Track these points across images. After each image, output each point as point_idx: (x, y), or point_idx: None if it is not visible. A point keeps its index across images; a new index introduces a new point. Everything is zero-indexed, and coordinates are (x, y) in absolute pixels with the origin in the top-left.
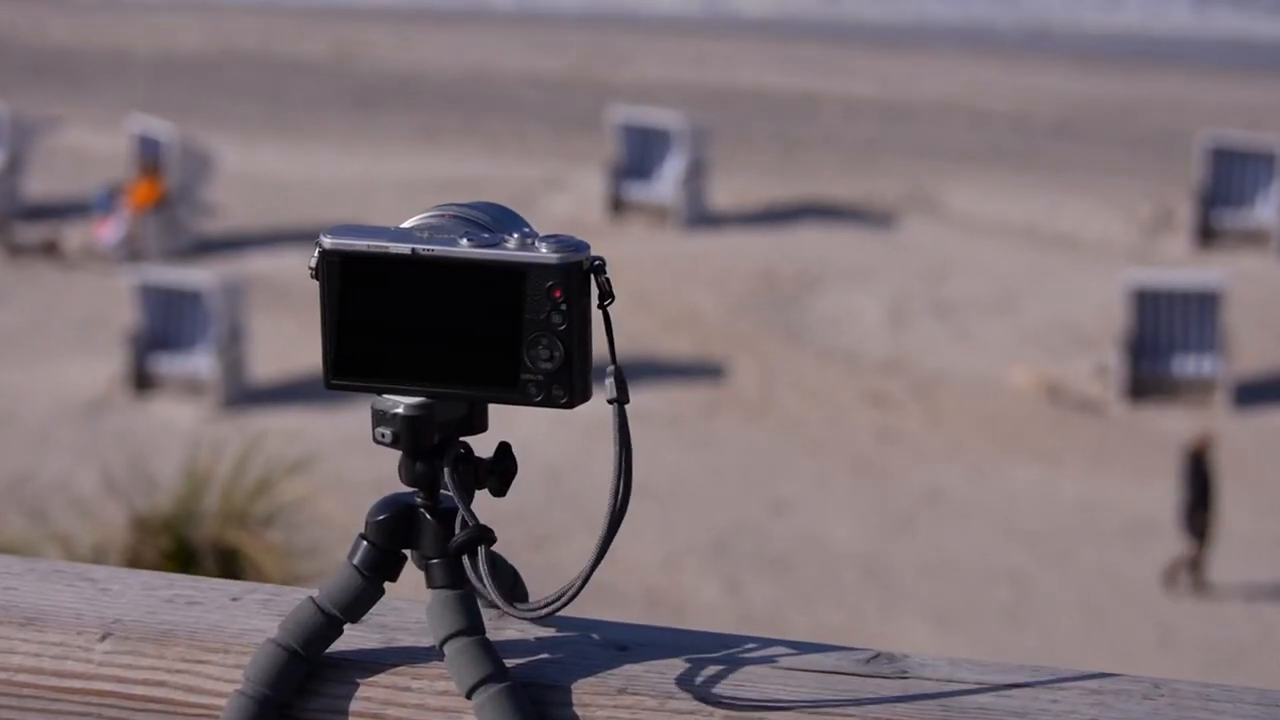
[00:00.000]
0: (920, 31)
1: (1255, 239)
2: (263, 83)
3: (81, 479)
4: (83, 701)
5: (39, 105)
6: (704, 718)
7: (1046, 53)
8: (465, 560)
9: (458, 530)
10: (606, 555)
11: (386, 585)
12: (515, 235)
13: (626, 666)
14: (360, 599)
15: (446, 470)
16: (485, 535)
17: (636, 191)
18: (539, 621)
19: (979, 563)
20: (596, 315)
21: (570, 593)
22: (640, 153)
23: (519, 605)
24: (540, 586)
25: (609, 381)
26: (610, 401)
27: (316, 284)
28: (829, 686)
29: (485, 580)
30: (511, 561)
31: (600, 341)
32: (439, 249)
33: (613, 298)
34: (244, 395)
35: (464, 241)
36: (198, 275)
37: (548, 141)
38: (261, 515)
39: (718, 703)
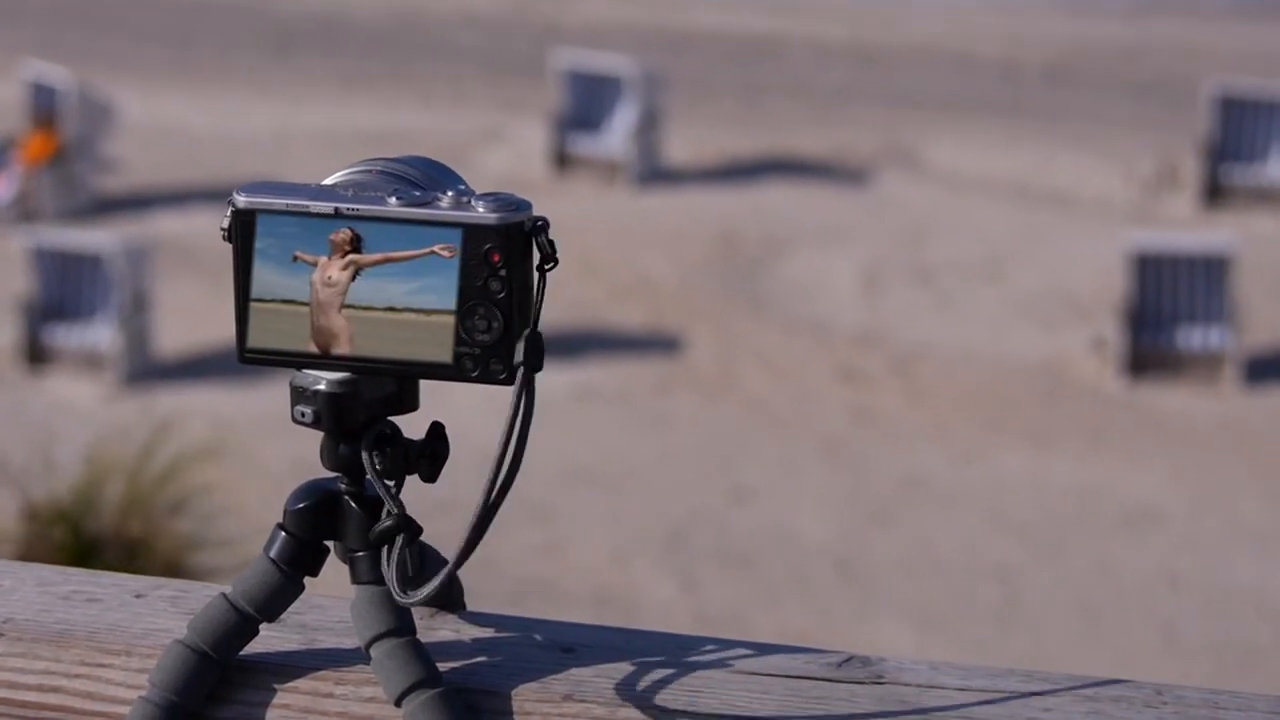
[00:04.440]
0: None
1: (1268, 197)
2: (169, 24)
3: None
4: None
5: None
6: None
7: None
8: (384, 550)
9: (379, 523)
10: (484, 535)
11: (307, 581)
12: (449, 193)
13: (572, 670)
14: (278, 595)
15: (364, 453)
16: (408, 526)
17: (583, 145)
18: (478, 609)
19: (964, 557)
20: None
21: (443, 574)
22: (587, 102)
23: (409, 591)
24: (476, 581)
25: (520, 344)
26: (517, 365)
27: (229, 247)
28: (797, 693)
29: (390, 568)
30: (445, 555)
31: (545, 310)
32: (365, 208)
33: (555, 261)
34: (149, 370)
35: (392, 200)
36: (97, 237)
37: (484, 89)
38: (168, 503)
39: (673, 711)
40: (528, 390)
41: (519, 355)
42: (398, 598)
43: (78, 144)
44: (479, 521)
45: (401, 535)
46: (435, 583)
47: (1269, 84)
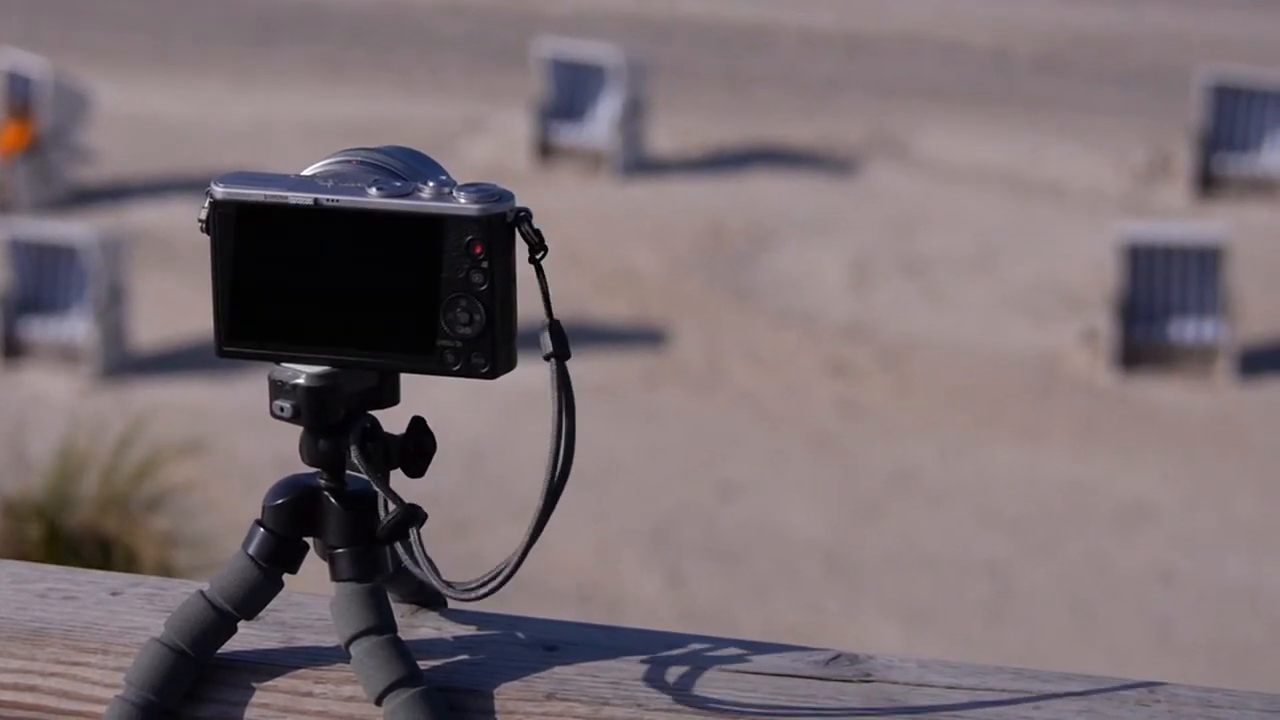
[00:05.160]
0: None
1: (1262, 188)
2: (146, 12)
3: None
4: None
5: None
6: None
7: None
8: (399, 546)
9: (381, 516)
10: (544, 532)
11: (286, 578)
12: (430, 184)
13: (555, 669)
14: (256, 593)
15: (354, 448)
16: (414, 515)
17: (567, 134)
18: (464, 607)
19: (954, 552)
20: (521, 274)
21: (507, 570)
22: (571, 91)
23: (456, 585)
24: (460, 577)
25: (544, 336)
26: (547, 357)
27: (207, 239)
28: (784, 691)
29: (421, 561)
30: (427, 550)
31: (526, 302)
32: (345, 199)
33: (545, 250)
34: (126, 364)
35: (373, 191)
36: (74, 229)
37: (467, 78)
38: (146, 499)
39: (658, 709)
40: (563, 380)
41: (547, 346)
42: (451, 595)
43: (53, 134)
44: (541, 517)
45: (414, 526)
46: (498, 580)
47: (1263, 72)
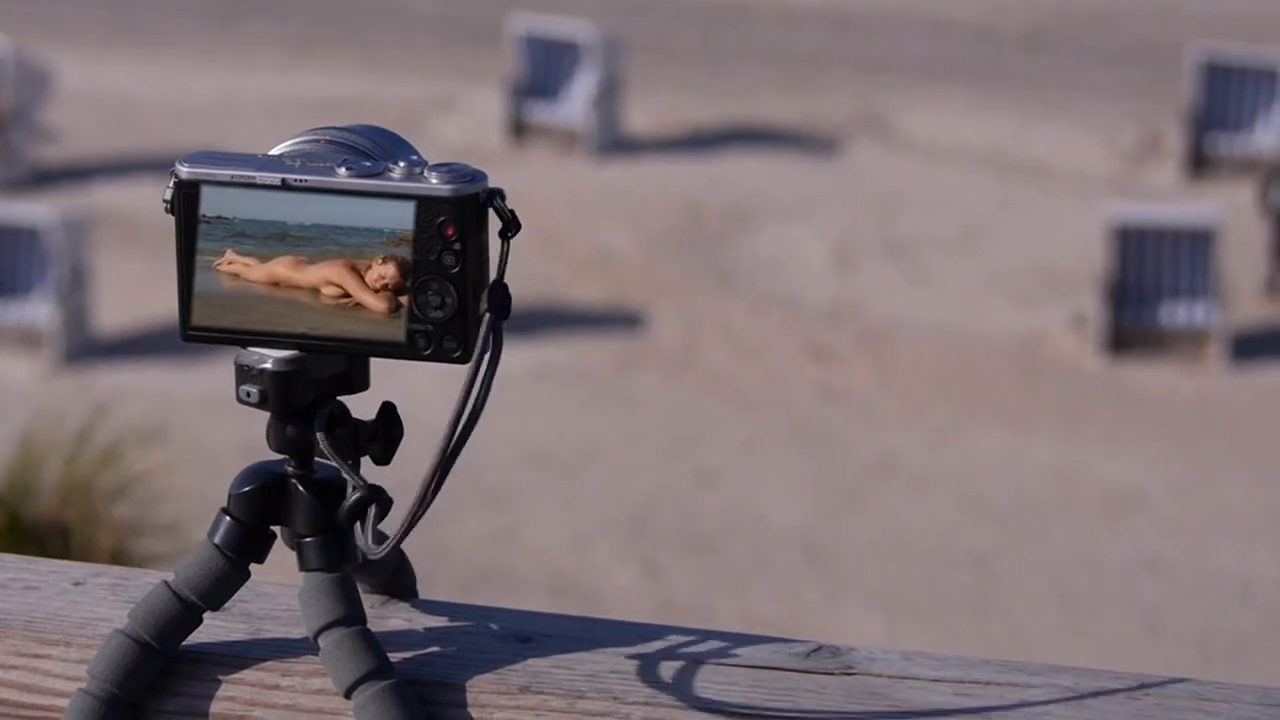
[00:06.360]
0: None
1: (1254, 168)
2: None
3: None
4: None
5: None
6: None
7: None
8: (357, 525)
9: (347, 499)
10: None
11: (253, 568)
12: (401, 163)
13: (530, 661)
14: (222, 583)
15: (320, 434)
16: (379, 497)
17: (541, 113)
18: (436, 597)
19: (937, 541)
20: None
21: (401, 530)
22: (545, 68)
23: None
24: (431, 567)
25: (484, 293)
26: (482, 314)
27: (172, 219)
28: (763, 684)
29: (366, 533)
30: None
31: (512, 287)
32: (313, 179)
33: (518, 227)
34: (88, 348)
35: (342, 171)
36: (35, 210)
37: (438, 56)
38: (109, 488)
39: (634, 703)
40: (495, 334)
41: (484, 303)
42: (366, 551)
43: (14, 113)
44: (438, 468)
45: (374, 506)
46: (401, 532)
47: (1255, 49)
